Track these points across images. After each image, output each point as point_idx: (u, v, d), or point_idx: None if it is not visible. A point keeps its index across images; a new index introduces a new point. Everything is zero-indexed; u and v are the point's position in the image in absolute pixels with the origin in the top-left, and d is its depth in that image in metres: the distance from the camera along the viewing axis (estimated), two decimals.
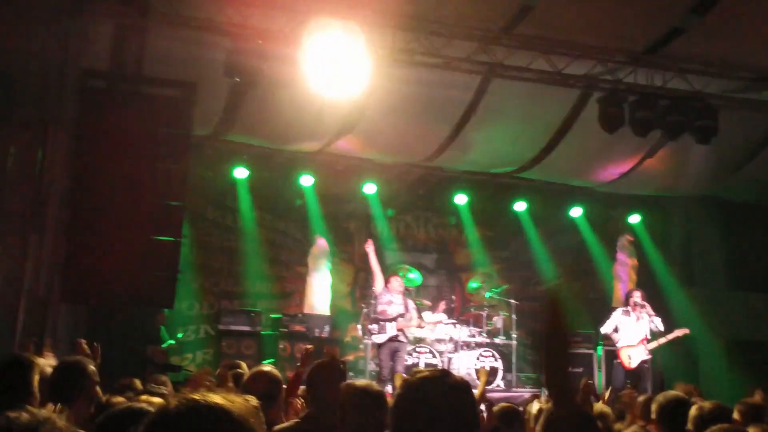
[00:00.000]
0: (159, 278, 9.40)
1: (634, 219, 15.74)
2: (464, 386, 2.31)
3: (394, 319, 11.64)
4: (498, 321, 13.94)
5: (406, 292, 12.17)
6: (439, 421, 2.23)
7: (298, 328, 13.11)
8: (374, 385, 3.96)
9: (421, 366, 12.27)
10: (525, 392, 12.05)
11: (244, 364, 6.75)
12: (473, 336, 13.52)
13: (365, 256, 14.93)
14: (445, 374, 2.31)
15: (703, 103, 11.00)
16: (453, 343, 13.23)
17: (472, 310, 14.33)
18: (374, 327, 11.75)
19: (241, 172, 13.76)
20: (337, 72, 9.17)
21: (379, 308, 11.72)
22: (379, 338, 11.60)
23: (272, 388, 4.57)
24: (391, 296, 11.78)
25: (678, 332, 12.16)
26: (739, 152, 12.99)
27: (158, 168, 9.34)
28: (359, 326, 13.61)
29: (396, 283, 11.95)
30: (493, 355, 13.11)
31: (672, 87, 11.02)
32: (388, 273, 12.79)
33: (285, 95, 10.36)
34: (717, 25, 9.96)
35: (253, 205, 14.12)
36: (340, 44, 9.19)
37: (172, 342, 12.65)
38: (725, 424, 4.14)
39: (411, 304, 12.01)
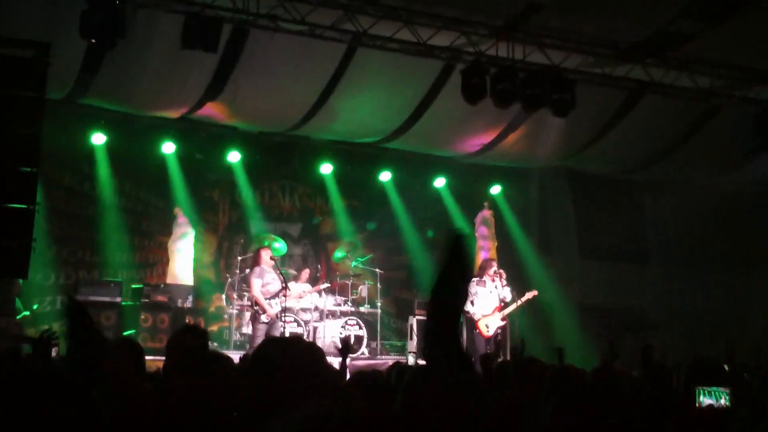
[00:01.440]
0: (11, 247, 9.03)
1: (495, 190, 16.14)
2: (315, 351, 2.34)
3: (276, 296, 11.63)
4: (363, 290, 14.09)
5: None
6: (289, 384, 2.25)
7: (160, 298, 12.83)
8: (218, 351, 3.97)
9: (287, 335, 12.26)
10: (389, 359, 12.24)
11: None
12: (338, 305, 13.61)
13: (229, 225, 14.83)
14: (295, 340, 2.34)
15: (560, 77, 11.33)
16: (318, 312, 13.28)
17: (338, 279, 14.41)
18: (259, 308, 11.64)
19: (98, 138, 13.29)
20: (198, 36, 8.97)
21: (263, 289, 11.61)
22: (267, 317, 11.51)
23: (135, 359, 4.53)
24: (269, 273, 11.75)
25: (528, 295, 12.69)
26: (593, 126, 13.50)
27: (9, 132, 8.94)
28: (224, 296, 13.48)
29: (267, 256, 11.90)
30: (358, 324, 13.24)
31: (531, 60, 11.32)
32: (255, 245, 12.75)
33: (146, 58, 10.06)
34: (575, 0, 10.28)
35: (112, 173, 13.65)
36: (201, 7, 9.00)
37: (27, 313, 12.17)
38: (575, 385, 4.32)
39: (281, 275, 12.03)
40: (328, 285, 13.10)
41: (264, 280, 11.65)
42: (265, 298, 11.51)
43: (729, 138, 13.30)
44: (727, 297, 14.87)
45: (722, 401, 4.18)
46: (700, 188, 15.21)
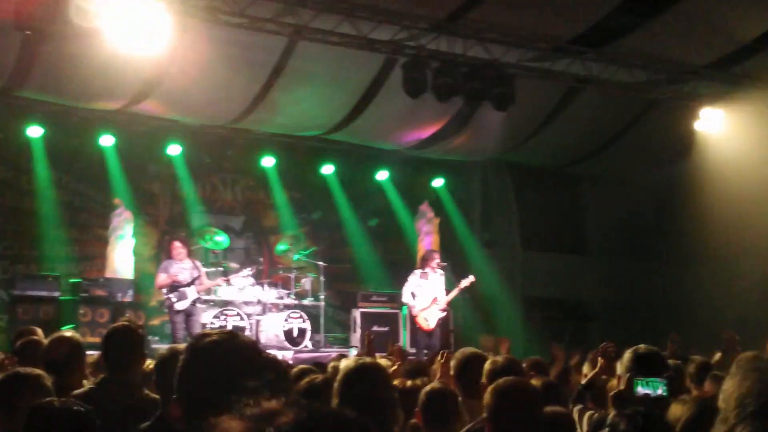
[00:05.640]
0: None
1: (438, 183, 16.22)
2: (253, 346, 2.31)
3: (191, 284, 11.74)
4: (306, 283, 14.04)
5: (212, 255, 12.14)
6: (229, 383, 2.21)
7: (99, 292, 12.67)
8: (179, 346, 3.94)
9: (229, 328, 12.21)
10: (333, 352, 12.24)
11: (39, 331, 6.49)
12: (281, 298, 13.57)
13: (170, 218, 14.71)
14: (232, 336, 2.31)
15: (500, 71, 11.41)
16: (261, 306, 13.23)
17: (281, 272, 14.35)
18: (173, 295, 11.75)
19: (35, 131, 13.06)
20: (135, 28, 8.84)
21: (171, 280, 11.79)
22: (182, 305, 11.71)
23: (74, 353, 4.72)
24: (179, 264, 11.85)
25: (465, 281, 12.67)
26: (533, 119, 13.65)
27: None
28: (165, 290, 13.34)
29: (176, 249, 12.02)
30: (302, 317, 13.19)
31: (472, 55, 11.38)
32: (196, 238, 12.79)
33: (82, 50, 9.87)
34: None
35: (49, 166, 13.42)
36: None
37: None
38: (512, 376, 4.37)
39: (199, 264, 12.13)
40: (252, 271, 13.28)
41: (171, 272, 11.87)
42: (178, 287, 11.82)
43: (665, 132, 13.53)
44: (663, 289, 15.15)
45: (659, 391, 4.24)
46: (638, 181, 15.48)
